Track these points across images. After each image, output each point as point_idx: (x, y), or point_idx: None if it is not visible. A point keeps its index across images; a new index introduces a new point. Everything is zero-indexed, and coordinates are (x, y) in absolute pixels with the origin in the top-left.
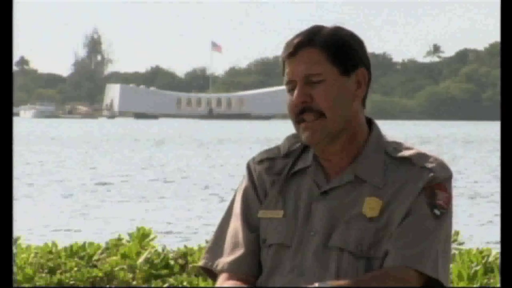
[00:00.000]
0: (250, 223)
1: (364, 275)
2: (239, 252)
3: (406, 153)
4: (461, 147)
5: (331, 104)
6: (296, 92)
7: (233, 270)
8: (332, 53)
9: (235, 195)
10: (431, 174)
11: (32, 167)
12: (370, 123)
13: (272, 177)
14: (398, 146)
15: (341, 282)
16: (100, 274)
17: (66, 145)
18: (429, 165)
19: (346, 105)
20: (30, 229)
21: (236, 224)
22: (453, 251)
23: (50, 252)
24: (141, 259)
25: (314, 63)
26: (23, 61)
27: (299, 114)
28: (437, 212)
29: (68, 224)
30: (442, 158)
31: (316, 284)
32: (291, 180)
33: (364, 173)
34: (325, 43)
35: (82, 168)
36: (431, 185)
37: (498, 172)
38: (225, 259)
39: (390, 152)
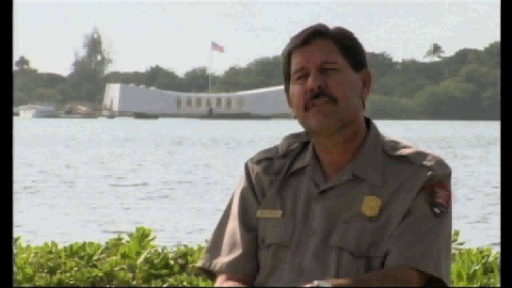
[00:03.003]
0: (248, 223)
1: (365, 274)
2: (237, 252)
3: (404, 151)
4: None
5: (344, 92)
6: (311, 77)
7: (231, 270)
8: (345, 46)
9: (233, 196)
10: (430, 172)
11: (37, 168)
12: (368, 123)
13: (270, 177)
14: (396, 145)
15: (341, 281)
16: (100, 274)
17: (70, 145)
18: (428, 163)
19: (355, 98)
20: (31, 230)
21: (234, 225)
22: (453, 251)
23: (50, 252)
24: (141, 259)
25: (329, 52)
26: (23, 61)
27: (311, 99)
28: (437, 210)
29: (69, 224)
30: (440, 155)
31: (316, 282)
32: (290, 179)
33: (363, 172)
34: (338, 36)
35: (83, 168)
36: (431, 184)
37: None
38: (223, 260)
39: (388, 150)
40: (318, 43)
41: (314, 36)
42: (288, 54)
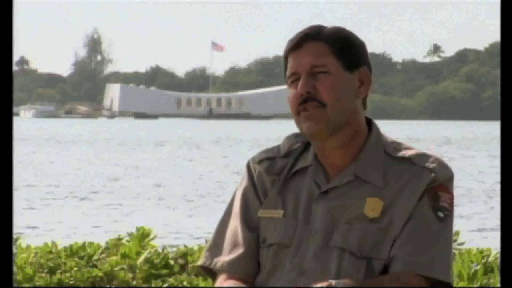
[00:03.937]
0: (249, 222)
1: (376, 278)
2: (238, 251)
3: (406, 153)
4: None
5: (334, 96)
6: (300, 82)
7: (232, 269)
8: (337, 47)
9: (234, 195)
10: (433, 175)
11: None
12: (369, 123)
13: (272, 177)
14: (398, 146)
15: (354, 282)
16: (100, 274)
17: (71, 145)
18: (430, 165)
19: (349, 100)
20: (32, 229)
21: (235, 224)
22: (453, 251)
23: (50, 252)
24: (141, 259)
25: (319, 55)
26: (23, 61)
27: (301, 104)
28: (441, 214)
29: (69, 224)
30: (442, 158)
31: (334, 282)
32: (291, 179)
33: (365, 173)
34: (330, 37)
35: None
36: (434, 187)
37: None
38: (224, 259)
39: (390, 152)
40: (309, 46)
41: (306, 39)
42: (285, 58)
